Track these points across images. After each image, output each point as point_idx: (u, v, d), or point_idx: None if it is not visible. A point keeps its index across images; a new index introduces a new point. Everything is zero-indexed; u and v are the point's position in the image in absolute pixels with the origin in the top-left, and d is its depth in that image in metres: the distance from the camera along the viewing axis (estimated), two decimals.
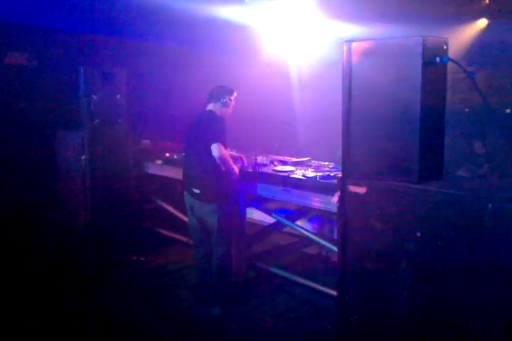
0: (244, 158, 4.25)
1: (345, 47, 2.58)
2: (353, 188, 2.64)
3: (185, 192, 3.87)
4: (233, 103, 3.82)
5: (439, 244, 2.25)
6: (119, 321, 3.59)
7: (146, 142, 5.44)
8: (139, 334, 3.41)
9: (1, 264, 4.40)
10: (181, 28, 5.18)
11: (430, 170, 2.50)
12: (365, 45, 2.53)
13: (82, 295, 4.00)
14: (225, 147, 3.61)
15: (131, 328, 3.49)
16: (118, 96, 4.94)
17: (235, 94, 3.83)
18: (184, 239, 5.05)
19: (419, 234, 2.33)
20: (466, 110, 5.87)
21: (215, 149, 3.55)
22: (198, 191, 3.72)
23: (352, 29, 5.24)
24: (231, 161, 3.71)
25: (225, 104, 3.77)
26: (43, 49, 5.19)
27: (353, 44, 2.55)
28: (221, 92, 3.79)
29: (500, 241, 2.04)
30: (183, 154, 4.05)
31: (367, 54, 2.51)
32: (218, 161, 3.60)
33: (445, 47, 2.50)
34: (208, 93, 3.82)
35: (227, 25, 5.08)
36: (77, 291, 4.06)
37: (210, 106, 3.79)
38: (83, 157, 4.88)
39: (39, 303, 3.82)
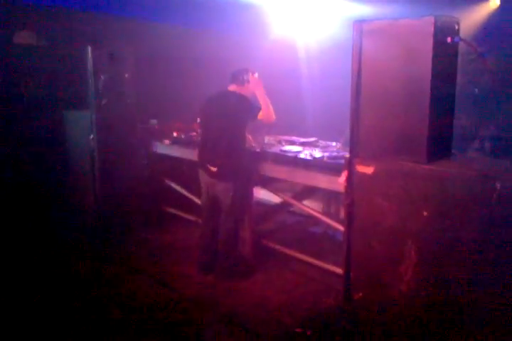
0: (250, 138, 4.28)
1: (355, 28, 2.57)
2: (360, 168, 2.66)
3: (201, 170, 3.94)
4: (254, 81, 3.84)
5: (446, 223, 2.28)
6: (126, 297, 3.67)
7: (154, 122, 5.46)
8: (146, 310, 3.49)
9: (10, 242, 4.50)
10: (189, 8, 5.15)
11: (438, 150, 2.51)
12: (375, 25, 2.52)
13: (91, 272, 4.09)
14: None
15: (138, 303, 3.57)
16: (126, 75, 4.94)
17: (256, 74, 3.86)
18: (191, 217, 5.11)
19: (425, 214, 2.36)
20: (476, 91, 5.83)
21: (265, 117, 3.74)
22: (215, 169, 3.78)
23: (362, 9, 5.19)
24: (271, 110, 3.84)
25: (242, 82, 3.82)
26: (51, 28, 5.17)
27: (364, 24, 2.53)
28: (239, 72, 3.85)
29: (508, 221, 2.06)
30: (201, 133, 4.08)
31: (377, 34, 2.51)
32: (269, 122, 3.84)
33: (457, 27, 2.48)
34: (230, 74, 3.89)
35: (235, 5, 5.04)
36: (85, 269, 4.14)
37: (232, 87, 3.86)
38: (91, 136, 4.91)
39: (48, 281, 3.92)
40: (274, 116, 3.81)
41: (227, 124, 3.75)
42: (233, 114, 3.74)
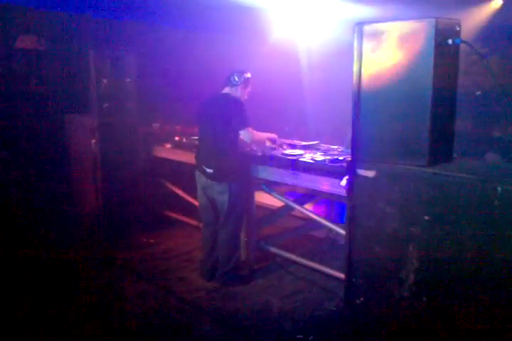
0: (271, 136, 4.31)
1: (356, 30, 2.54)
2: (361, 172, 2.63)
3: (197, 172, 3.95)
4: (246, 83, 3.87)
5: (447, 227, 2.25)
6: (128, 302, 3.65)
7: (155, 125, 5.45)
8: (146, 315, 3.46)
9: (13, 246, 4.49)
10: (190, 11, 5.14)
11: (440, 153, 2.49)
12: (376, 27, 2.49)
13: (93, 276, 4.07)
14: (253, 128, 3.83)
15: (139, 309, 3.55)
16: (128, 79, 4.94)
17: (247, 74, 3.88)
18: (193, 222, 5.09)
19: (427, 218, 2.33)
20: (478, 93, 5.79)
21: (247, 135, 3.79)
22: (211, 171, 3.79)
23: (362, 10, 5.16)
24: (262, 138, 4.08)
25: (234, 84, 3.83)
26: (53, 32, 5.19)
27: (364, 26, 2.51)
28: (232, 74, 3.87)
29: (509, 224, 2.03)
30: (198, 135, 4.11)
31: (378, 37, 2.48)
32: (253, 144, 4.05)
33: (458, 29, 2.46)
34: (224, 78, 3.90)
35: (236, 7, 5.02)
36: (87, 273, 4.13)
37: (226, 90, 3.89)
38: (93, 141, 4.90)
39: (51, 284, 3.90)
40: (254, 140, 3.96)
41: (220, 126, 3.77)
42: (224, 116, 3.76)
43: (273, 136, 4.26)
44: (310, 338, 3.19)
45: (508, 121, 5.60)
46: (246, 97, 3.92)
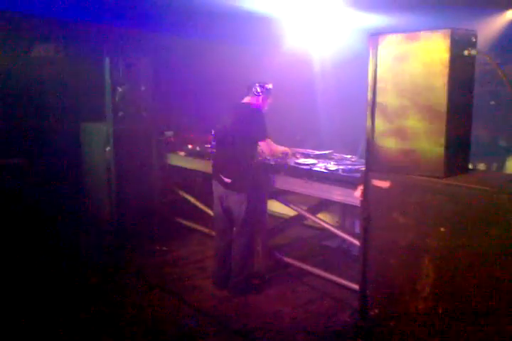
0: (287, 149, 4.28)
1: (371, 41, 2.55)
2: (376, 182, 2.62)
3: (215, 181, 3.95)
4: (267, 93, 3.88)
5: (464, 239, 2.23)
6: (140, 310, 3.65)
7: (169, 133, 5.48)
8: (159, 323, 3.46)
9: (26, 255, 4.52)
10: (205, 20, 5.19)
11: (456, 164, 2.47)
12: (391, 38, 2.50)
13: (106, 284, 4.09)
14: (271, 139, 3.84)
15: (151, 317, 3.55)
16: (143, 88, 4.98)
17: (269, 85, 3.90)
18: (205, 229, 5.10)
19: (443, 229, 2.31)
20: (492, 103, 5.75)
21: (266, 147, 3.81)
22: (228, 180, 3.79)
23: (377, 20, 5.16)
24: (278, 151, 4.01)
25: (256, 94, 3.84)
26: (69, 40, 5.26)
27: (379, 37, 2.52)
28: (253, 84, 3.88)
29: None
30: (215, 144, 4.10)
31: (393, 48, 2.49)
32: (269, 156, 4.02)
33: (474, 40, 2.46)
34: (246, 86, 3.92)
35: (250, 17, 5.06)
36: (100, 281, 4.14)
37: (246, 99, 3.90)
38: (107, 148, 4.94)
39: (64, 291, 3.92)
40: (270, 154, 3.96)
41: (239, 136, 3.76)
42: (244, 126, 3.75)
43: (287, 150, 4.24)
44: None
45: None
46: (266, 108, 3.92)
